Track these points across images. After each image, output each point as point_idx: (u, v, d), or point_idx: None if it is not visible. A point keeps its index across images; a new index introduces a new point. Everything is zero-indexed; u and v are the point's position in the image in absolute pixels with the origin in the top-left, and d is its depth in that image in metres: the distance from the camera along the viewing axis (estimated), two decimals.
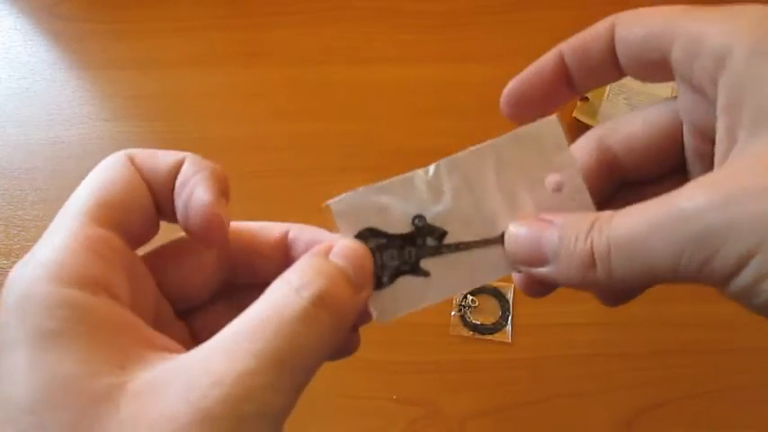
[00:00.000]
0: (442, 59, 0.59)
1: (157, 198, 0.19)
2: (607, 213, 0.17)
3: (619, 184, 0.21)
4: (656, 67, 0.18)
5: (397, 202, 0.21)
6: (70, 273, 0.15)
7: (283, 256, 0.21)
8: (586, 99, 0.53)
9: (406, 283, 0.21)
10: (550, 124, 0.21)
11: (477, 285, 0.22)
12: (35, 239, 0.54)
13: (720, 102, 0.16)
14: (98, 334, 0.15)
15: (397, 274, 0.21)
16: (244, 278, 0.19)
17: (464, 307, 0.44)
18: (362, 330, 0.23)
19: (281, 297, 0.17)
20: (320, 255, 0.19)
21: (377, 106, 0.56)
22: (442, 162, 0.22)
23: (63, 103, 0.57)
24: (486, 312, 0.45)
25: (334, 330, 0.17)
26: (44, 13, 0.63)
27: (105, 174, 0.18)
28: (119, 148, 0.59)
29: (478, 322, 0.44)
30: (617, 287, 0.17)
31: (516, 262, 0.19)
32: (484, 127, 0.54)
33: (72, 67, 0.59)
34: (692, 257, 0.15)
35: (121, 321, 0.16)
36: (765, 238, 0.14)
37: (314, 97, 0.56)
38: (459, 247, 0.21)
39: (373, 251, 0.21)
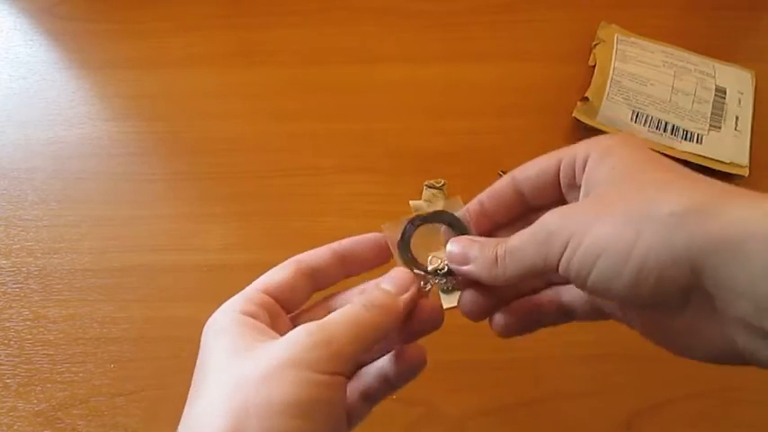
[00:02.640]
0: (441, 59, 0.59)
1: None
2: (509, 237, 0.28)
3: (524, 208, 0.30)
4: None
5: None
6: (241, 309, 0.27)
7: (342, 268, 0.31)
8: (586, 99, 0.53)
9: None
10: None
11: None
12: (35, 239, 0.54)
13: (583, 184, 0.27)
14: (248, 328, 0.26)
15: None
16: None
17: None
18: None
19: (350, 306, 0.27)
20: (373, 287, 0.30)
21: (377, 106, 0.56)
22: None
23: (63, 103, 0.57)
24: None
25: (386, 316, 0.27)
26: (44, 13, 0.63)
27: (275, 271, 0.30)
28: (119, 148, 0.59)
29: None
30: (510, 281, 0.27)
31: (452, 261, 0.30)
32: (483, 126, 0.55)
33: (72, 67, 0.59)
34: (546, 256, 0.25)
35: (261, 327, 0.27)
36: (572, 233, 0.24)
37: (314, 97, 0.56)
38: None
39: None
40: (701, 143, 0.52)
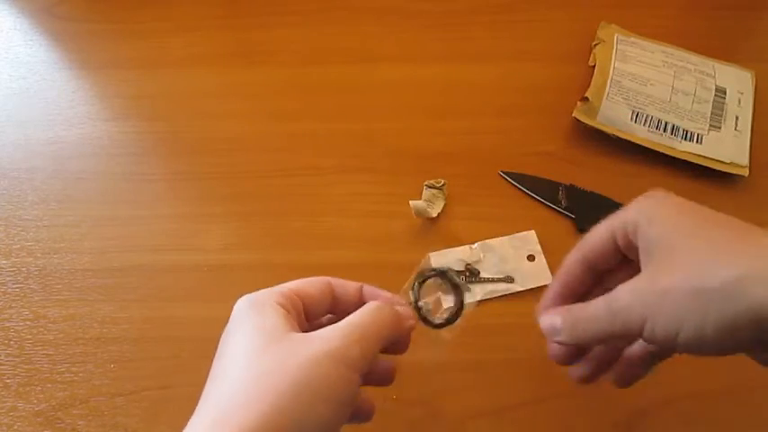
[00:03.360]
0: (441, 59, 0.59)
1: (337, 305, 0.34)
2: (586, 304, 0.31)
3: (594, 275, 0.33)
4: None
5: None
6: (280, 301, 0.30)
7: (360, 302, 0.34)
8: (586, 99, 0.53)
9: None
10: (531, 234, 0.47)
11: (492, 296, 0.42)
12: (35, 239, 0.54)
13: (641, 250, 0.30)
14: (284, 318, 0.29)
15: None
16: (338, 313, 0.33)
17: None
18: None
19: (366, 308, 0.31)
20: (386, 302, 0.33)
21: (377, 106, 0.56)
22: (480, 244, 0.47)
23: (63, 103, 0.57)
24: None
25: (392, 321, 0.31)
26: (44, 13, 0.63)
27: (309, 282, 0.33)
28: (119, 148, 0.59)
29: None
30: (589, 344, 0.33)
31: (546, 334, 0.32)
32: (483, 126, 0.55)
33: (72, 67, 0.59)
34: (626, 329, 0.28)
35: (293, 321, 0.30)
36: (645, 313, 0.27)
37: (314, 97, 0.57)
38: (488, 280, 0.45)
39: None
40: (700, 143, 0.52)
